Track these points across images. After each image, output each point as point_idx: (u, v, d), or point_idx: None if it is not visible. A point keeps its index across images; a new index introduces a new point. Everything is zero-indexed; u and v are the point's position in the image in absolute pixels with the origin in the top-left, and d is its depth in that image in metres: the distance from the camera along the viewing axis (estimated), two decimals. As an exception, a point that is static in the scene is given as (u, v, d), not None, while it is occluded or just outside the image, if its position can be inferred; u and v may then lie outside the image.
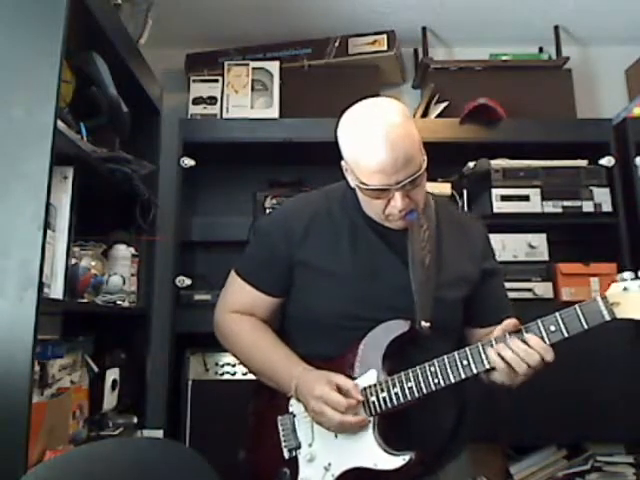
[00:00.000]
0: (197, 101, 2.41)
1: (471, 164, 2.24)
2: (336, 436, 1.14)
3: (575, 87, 2.47)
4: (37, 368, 1.36)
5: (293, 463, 1.18)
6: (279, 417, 1.21)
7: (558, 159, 2.24)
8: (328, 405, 1.09)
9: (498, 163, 2.23)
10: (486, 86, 2.38)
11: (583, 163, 2.25)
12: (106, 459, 0.97)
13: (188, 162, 2.23)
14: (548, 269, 2.18)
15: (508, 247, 2.19)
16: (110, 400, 1.75)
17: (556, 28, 2.54)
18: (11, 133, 1.28)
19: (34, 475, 0.91)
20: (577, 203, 2.19)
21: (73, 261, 1.51)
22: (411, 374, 1.11)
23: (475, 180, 2.27)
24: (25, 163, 1.26)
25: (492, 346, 1.07)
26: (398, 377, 1.11)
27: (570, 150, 2.25)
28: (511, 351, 1.04)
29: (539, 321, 1.06)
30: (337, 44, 2.48)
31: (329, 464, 1.14)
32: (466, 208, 2.28)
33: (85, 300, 1.57)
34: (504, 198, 2.19)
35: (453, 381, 1.09)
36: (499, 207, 2.18)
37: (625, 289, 1.02)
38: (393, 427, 1.12)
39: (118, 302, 1.74)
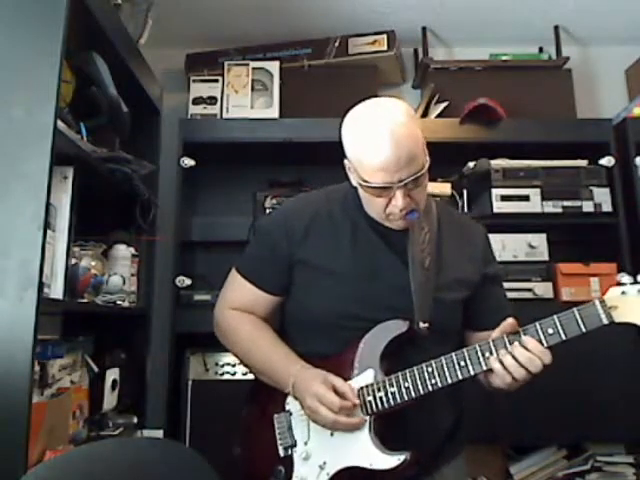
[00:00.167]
0: (197, 101, 2.41)
1: (471, 164, 2.25)
2: (332, 435, 1.14)
3: (575, 87, 2.47)
4: (37, 368, 1.36)
5: (288, 461, 1.18)
6: (275, 415, 1.21)
7: (558, 159, 2.24)
8: (323, 404, 1.09)
9: (498, 163, 2.23)
10: (486, 86, 2.38)
11: (583, 163, 2.25)
12: (106, 459, 0.97)
13: (188, 162, 2.23)
14: (548, 269, 2.18)
15: (508, 247, 2.19)
16: (110, 400, 1.75)
17: (556, 28, 2.54)
18: (11, 133, 1.28)
19: (34, 475, 0.91)
20: (577, 203, 2.19)
21: (73, 261, 1.51)
22: (408, 374, 1.11)
23: (475, 180, 2.27)
24: (25, 163, 1.26)
25: (490, 348, 1.07)
26: (395, 377, 1.11)
27: (570, 150, 2.25)
28: (511, 357, 1.04)
29: (537, 324, 1.06)
30: (337, 44, 2.48)
31: (324, 463, 1.14)
32: (466, 208, 2.28)
33: (85, 300, 1.57)
34: (504, 198, 2.19)
35: (450, 382, 1.09)
36: (499, 207, 2.18)
37: (623, 293, 1.02)
38: (389, 427, 1.13)
39: (118, 302, 1.74)
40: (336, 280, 1.19)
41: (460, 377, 1.08)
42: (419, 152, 1.09)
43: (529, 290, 2.14)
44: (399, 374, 1.11)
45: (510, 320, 1.07)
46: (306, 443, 1.17)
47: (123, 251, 1.85)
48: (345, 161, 1.18)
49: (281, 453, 1.19)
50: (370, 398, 1.12)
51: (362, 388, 1.13)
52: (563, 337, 1.04)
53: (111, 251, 1.82)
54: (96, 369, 1.72)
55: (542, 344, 1.04)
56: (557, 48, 2.53)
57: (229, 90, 2.41)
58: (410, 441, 1.10)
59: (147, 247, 2.05)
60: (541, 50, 2.67)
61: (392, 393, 1.11)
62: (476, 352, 1.08)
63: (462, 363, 1.08)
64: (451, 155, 2.10)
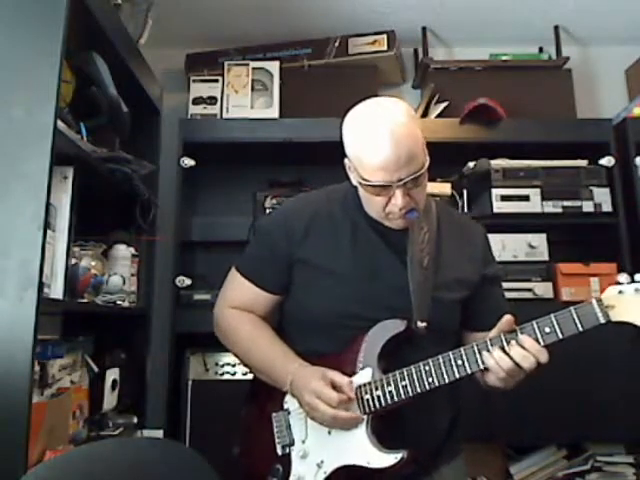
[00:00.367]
0: (197, 101, 2.41)
1: (471, 164, 2.25)
2: (329, 433, 1.14)
3: (575, 87, 2.48)
4: (37, 368, 1.36)
5: (286, 460, 1.18)
6: (273, 414, 1.22)
7: (558, 159, 2.24)
8: (321, 399, 1.09)
9: (498, 163, 2.23)
10: (486, 86, 2.38)
11: (583, 163, 2.25)
12: (106, 459, 0.97)
13: (188, 162, 2.23)
14: (548, 269, 2.18)
15: (508, 247, 2.19)
16: (110, 400, 1.75)
17: (556, 28, 2.54)
18: (11, 133, 1.28)
19: (34, 475, 0.91)
20: (577, 203, 2.19)
21: (73, 261, 1.51)
22: (405, 373, 1.11)
23: (475, 180, 2.27)
24: (25, 163, 1.26)
25: (487, 347, 1.07)
26: (393, 376, 1.12)
27: (570, 150, 2.25)
28: (507, 356, 1.04)
29: (534, 322, 1.06)
30: (337, 44, 2.48)
31: (322, 461, 1.14)
32: (466, 208, 2.28)
33: (85, 300, 1.57)
34: (504, 198, 2.19)
35: (447, 381, 1.09)
36: (499, 207, 2.18)
37: (620, 292, 1.02)
38: (387, 426, 1.13)
39: (118, 302, 1.74)
40: (336, 280, 1.19)
41: (457, 376, 1.08)
42: (419, 152, 1.10)
43: (529, 290, 2.14)
44: (396, 373, 1.11)
45: (507, 317, 1.07)
46: (304, 441, 1.18)
47: (123, 251, 1.85)
48: (345, 160, 1.19)
49: (279, 452, 1.19)
50: (368, 396, 1.12)
51: (360, 387, 1.13)
52: (560, 336, 1.04)
53: (111, 251, 1.82)
54: (96, 369, 1.72)
55: (539, 343, 1.04)
56: (557, 48, 2.53)
57: (229, 90, 2.41)
58: (408, 440, 1.10)
59: (147, 247, 2.05)
60: (541, 50, 2.67)
61: (389, 392, 1.11)
62: (473, 351, 1.08)
63: (459, 362, 1.08)
64: (451, 155, 2.10)
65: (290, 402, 1.20)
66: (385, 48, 2.45)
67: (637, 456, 2.10)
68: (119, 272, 1.77)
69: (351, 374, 1.14)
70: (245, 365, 1.32)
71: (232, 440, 1.30)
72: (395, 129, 1.07)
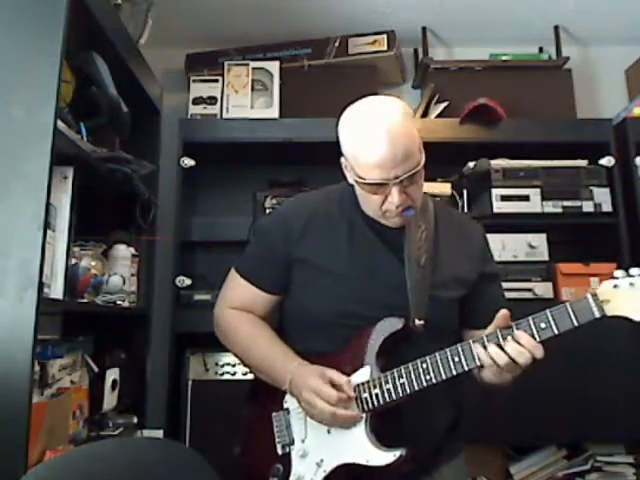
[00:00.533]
0: (197, 101, 2.41)
1: (471, 164, 2.25)
2: (329, 432, 1.15)
3: (575, 87, 2.47)
4: (37, 368, 1.36)
5: (286, 459, 1.19)
6: (273, 413, 1.22)
7: (558, 159, 2.24)
8: (320, 397, 1.09)
9: (498, 163, 2.23)
10: (486, 86, 2.38)
11: (583, 163, 2.25)
12: (106, 459, 0.97)
13: (188, 162, 2.23)
14: (548, 269, 2.18)
15: (508, 247, 2.19)
16: (110, 400, 1.75)
17: (556, 28, 2.54)
18: (11, 133, 1.28)
19: (34, 475, 0.91)
20: (577, 203, 2.19)
21: (73, 261, 1.51)
22: (403, 370, 1.11)
23: (475, 180, 2.27)
24: (25, 163, 1.26)
25: (484, 343, 1.07)
26: (391, 374, 1.12)
27: (570, 150, 2.25)
28: (503, 352, 1.04)
29: (530, 318, 1.06)
30: (337, 44, 2.48)
31: (321, 460, 1.15)
32: (466, 208, 2.28)
33: (85, 300, 1.57)
34: (504, 198, 2.19)
35: (444, 377, 1.09)
36: (499, 207, 2.18)
37: (615, 286, 1.02)
38: (386, 424, 1.13)
39: (118, 302, 1.74)
40: (334, 280, 1.19)
41: (454, 372, 1.09)
42: (415, 149, 1.10)
43: (529, 290, 2.14)
44: (394, 371, 1.12)
45: (503, 312, 1.06)
46: (303, 441, 1.18)
47: (123, 251, 1.85)
48: (342, 159, 1.19)
49: (279, 451, 1.20)
50: (366, 395, 1.12)
51: (358, 385, 1.13)
52: (556, 331, 1.04)
53: (111, 251, 1.82)
54: (96, 369, 1.71)
55: (535, 338, 1.04)
56: (557, 48, 2.53)
57: (229, 90, 2.41)
58: (406, 439, 1.10)
59: (147, 247, 2.05)
60: (541, 50, 2.67)
61: (387, 389, 1.11)
62: (470, 347, 1.08)
63: (456, 358, 1.08)
64: (451, 155, 2.10)
65: (290, 401, 1.20)
66: (385, 48, 2.45)
67: (637, 456, 2.09)
68: (119, 272, 1.77)
69: (352, 372, 1.14)
70: (245, 365, 1.32)
71: (232, 440, 1.30)
72: (391, 127, 1.07)
